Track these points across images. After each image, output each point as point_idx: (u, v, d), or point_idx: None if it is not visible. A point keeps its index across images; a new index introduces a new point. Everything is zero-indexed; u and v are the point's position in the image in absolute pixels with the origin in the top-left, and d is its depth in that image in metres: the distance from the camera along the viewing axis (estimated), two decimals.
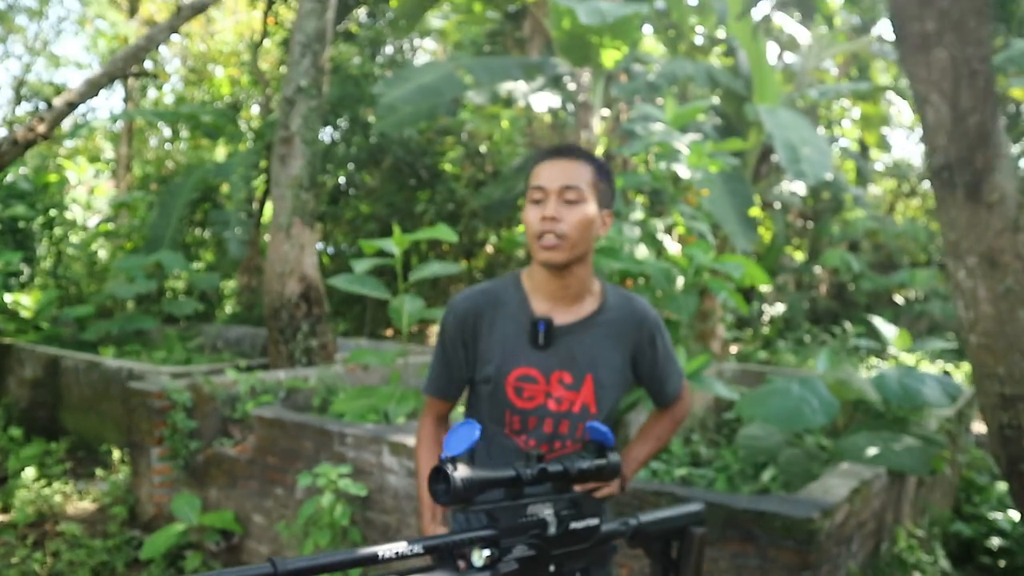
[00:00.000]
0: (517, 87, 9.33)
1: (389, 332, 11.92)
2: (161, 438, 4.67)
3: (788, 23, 11.04)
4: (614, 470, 1.53)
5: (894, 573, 3.41)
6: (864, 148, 15.24)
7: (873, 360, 8.11)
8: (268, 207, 11.43)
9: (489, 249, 12.78)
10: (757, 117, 8.86)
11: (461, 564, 1.30)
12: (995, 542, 4.52)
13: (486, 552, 1.31)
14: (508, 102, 9.31)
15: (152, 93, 17.72)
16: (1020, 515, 3.98)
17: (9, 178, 9.66)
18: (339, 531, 3.66)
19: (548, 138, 11.74)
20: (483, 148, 12.32)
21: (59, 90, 14.95)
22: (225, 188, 11.64)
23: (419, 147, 11.93)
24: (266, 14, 12.77)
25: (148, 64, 15.77)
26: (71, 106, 7.31)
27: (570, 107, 9.76)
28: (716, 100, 10.67)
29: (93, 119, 13.09)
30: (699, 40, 11.65)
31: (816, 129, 10.89)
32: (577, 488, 1.83)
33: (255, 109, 14.55)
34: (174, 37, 15.40)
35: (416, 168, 11.98)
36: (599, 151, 9.63)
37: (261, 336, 8.78)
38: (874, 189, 16.96)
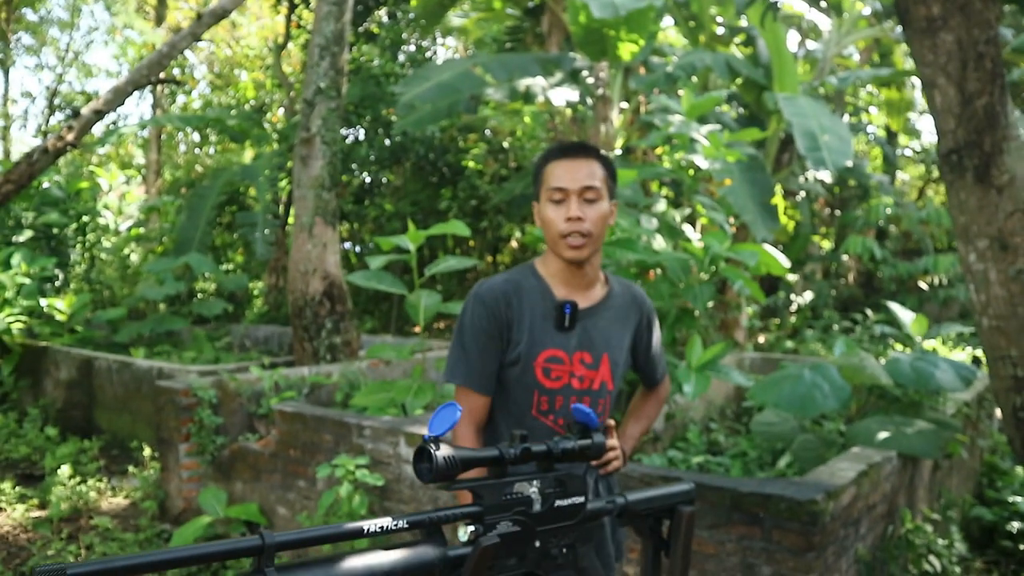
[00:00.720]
0: (536, 83, 9.36)
1: (417, 329, 12.04)
2: (188, 434, 4.80)
3: (809, 11, 10.96)
4: (598, 450, 1.57)
5: (903, 555, 3.42)
6: (891, 134, 15.06)
7: (898, 347, 8.04)
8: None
9: (514, 244, 12.84)
10: (776, 106, 8.82)
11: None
12: (1015, 526, 4.49)
13: (471, 528, 1.36)
14: (527, 98, 9.33)
15: (180, 99, 18.00)
16: None
17: (44, 186, 9.90)
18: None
19: (570, 133, 11.76)
20: (506, 144, 12.38)
21: (90, 99, 15.23)
22: (252, 190, 11.82)
23: (441, 145, 12.02)
24: (289, 18, 12.94)
25: (176, 71, 16.06)
26: (99, 114, 7.49)
27: (589, 101, 9.77)
28: (736, 90, 10.63)
29: (123, 126, 13.33)
30: (720, 31, 11.60)
31: (838, 116, 10.81)
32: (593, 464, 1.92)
33: (280, 112, 14.73)
34: (199, 43, 15.65)
35: (439, 166, 12.07)
36: (618, 144, 9.64)
37: (288, 335, 8.92)
38: (903, 176, 16.76)
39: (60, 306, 8.30)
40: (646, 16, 8.01)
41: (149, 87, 11.10)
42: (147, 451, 5.72)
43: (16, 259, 8.13)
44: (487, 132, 12.60)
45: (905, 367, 3.99)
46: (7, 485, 5.37)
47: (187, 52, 16.44)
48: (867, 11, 11.83)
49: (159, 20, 17.02)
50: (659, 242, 5.43)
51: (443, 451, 1.33)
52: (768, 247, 5.44)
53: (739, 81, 10.24)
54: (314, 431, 4.20)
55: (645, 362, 2.13)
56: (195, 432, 4.81)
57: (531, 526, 1.45)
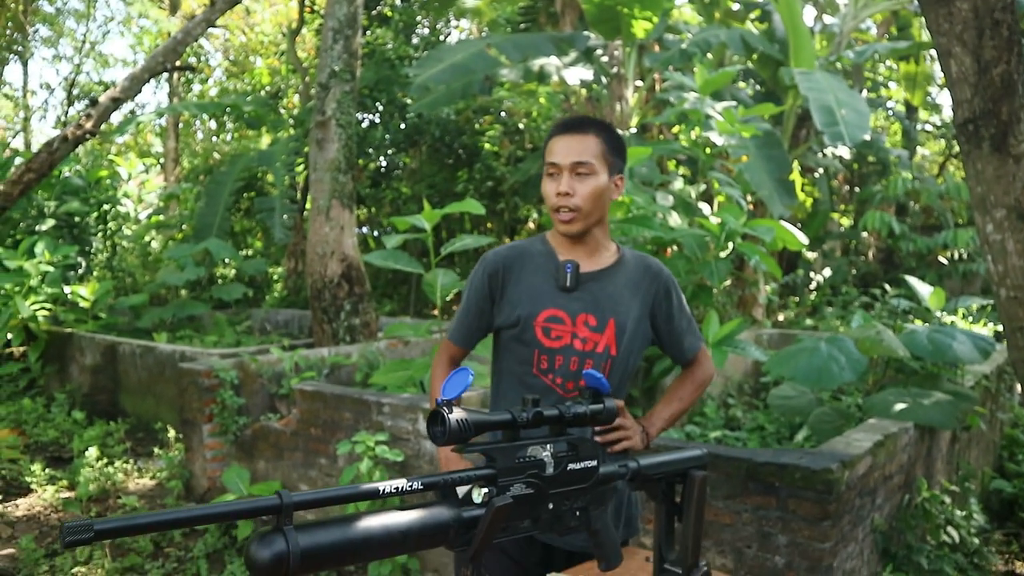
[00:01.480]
0: (550, 62, 9.33)
1: (435, 312, 12.08)
2: (211, 415, 4.88)
3: None
4: (610, 415, 1.59)
5: (920, 524, 3.43)
6: (910, 109, 14.88)
7: (917, 322, 8.00)
8: None
9: (531, 225, 12.85)
10: (793, 81, 8.75)
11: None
12: None
13: (484, 490, 1.38)
14: (541, 78, 9.31)
15: (196, 87, 18.08)
16: None
17: (65, 175, 10.00)
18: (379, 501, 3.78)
19: (585, 112, 11.72)
20: (521, 125, 12.36)
21: (107, 88, 15.35)
22: (269, 176, 11.89)
23: (456, 127, 12.02)
24: (302, 2, 12.94)
25: (191, 59, 16.13)
26: (116, 102, 7.56)
27: (604, 80, 9.73)
28: (752, 66, 10.54)
29: (141, 115, 13.44)
30: (735, 6, 11.50)
31: (856, 91, 10.70)
32: (599, 438, 1.95)
33: (295, 97, 14.78)
34: (213, 30, 15.70)
35: (454, 148, 12.08)
36: (634, 122, 9.61)
37: (308, 318, 8.99)
38: (923, 151, 16.56)
39: (83, 293, 8.41)
40: None
41: (165, 74, 11.18)
42: (171, 432, 5.81)
43: (39, 247, 8.24)
44: (502, 113, 12.58)
45: (922, 339, 3.98)
46: (37, 467, 5.48)
47: (202, 39, 16.52)
48: None
49: (173, 9, 17.08)
50: (675, 219, 5.43)
51: (456, 414, 1.35)
52: (785, 223, 5.43)
53: (755, 57, 10.16)
54: (334, 409, 4.26)
55: (668, 335, 2.10)
56: (218, 413, 4.88)
57: (544, 489, 1.47)
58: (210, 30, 15.44)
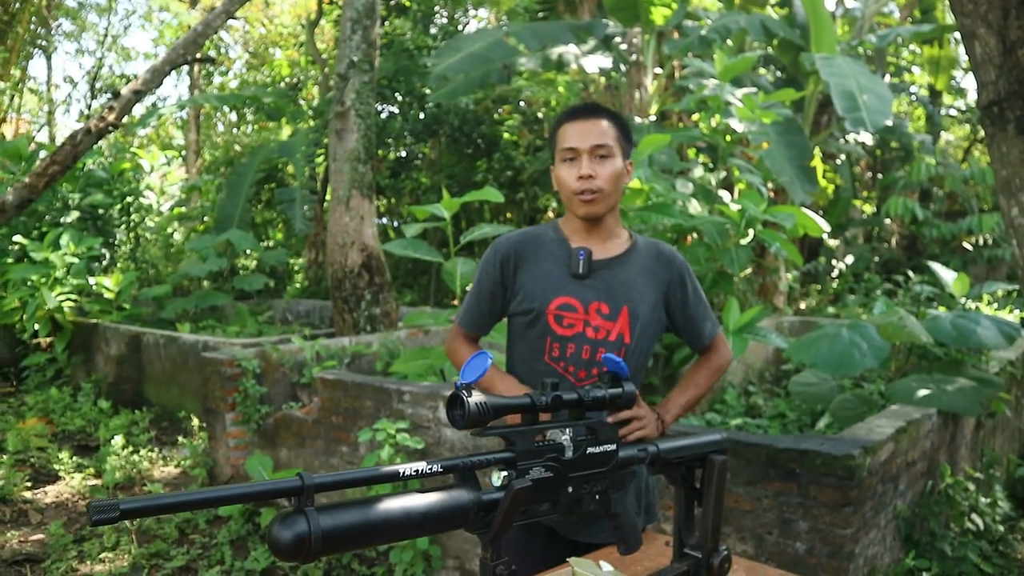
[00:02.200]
0: (568, 50, 9.29)
1: (456, 302, 12.10)
2: (234, 404, 4.92)
3: None
4: (628, 399, 1.59)
5: (943, 511, 3.40)
6: (934, 94, 14.69)
7: (941, 309, 7.92)
8: None
9: (550, 215, 12.83)
10: (814, 67, 8.66)
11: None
12: None
13: (503, 473, 1.38)
14: (560, 66, 9.27)
15: (217, 79, 18.18)
16: None
17: (89, 168, 10.10)
18: (399, 484, 3.81)
19: (604, 100, 11.67)
20: (540, 114, 12.33)
21: (129, 81, 15.48)
22: (289, 167, 11.94)
23: (475, 116, 12.01)
24: None
25: (211, 52, 16.20)
26: (138, 94, 7.62)
27: (623, 68, 9.67)
28: (772, 52, 10.44)
29: (163, 108, 13.53)
30: None
31: (878, 76, 10.58)
32: (611, 419, 1.94)
33: (315, 88, 14.82)
34: (233, 22, 15.76)
35: (473, 137, 12.07)
36: (653, 110, 9.55)
37: (328, 309, 9.05)
38: (947, 136, 16.35)
39: (108, 284, 8.51)
40: None
41: (186, 67, 11.23)
42: (195, 421, 5.88)
43: (64, 239, 8.33)
44: (521, 102, 12.55)
45: (946, 325, 3.94)
46: (65, 455, 5.57)
47: (222, 32, 16.59)
48: None
49: (193, 1, 17.17)
50: (695, 206, 5.40)
51: (475, 398, 1.36)
52: (806, 210, 5.39)
53: (775, 43, 10.06)
54: (355, 398, 4.28)
55: (684, 322, 2.09)
56: (240, 401, 4.93)
57: (563, 472, 1.47)
58: (230, 22, 15.52)
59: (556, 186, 2.03)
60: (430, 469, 1.29)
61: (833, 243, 12.26)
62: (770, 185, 7.78)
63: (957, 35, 12.09)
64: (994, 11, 3.56)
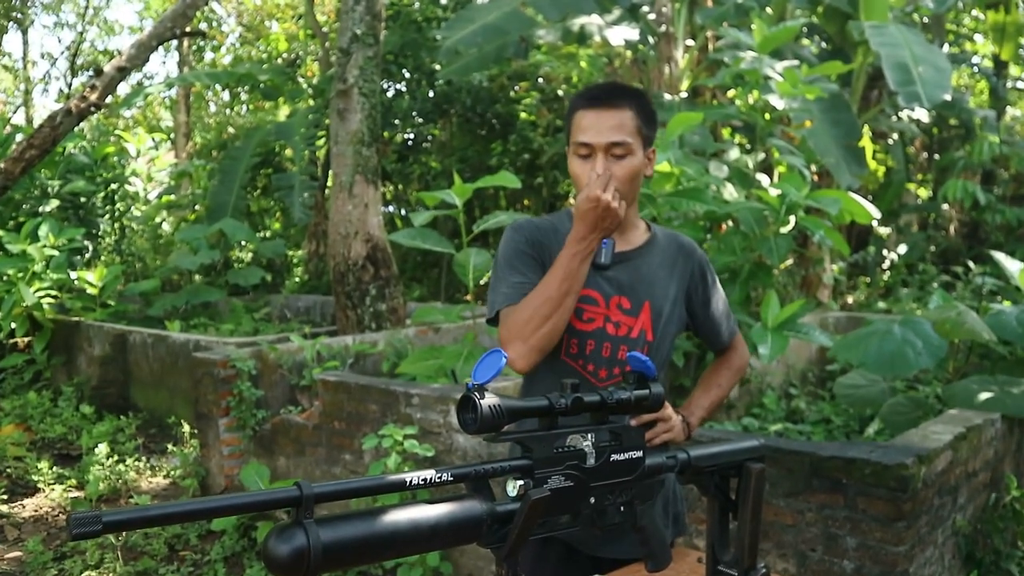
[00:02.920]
0: (591, 21, 9.26)
1: (469, 298, 12.11)
2: (228, 408, 4.96)
3: None
4: (656, 401, 1.58)
5: (1009, 527, 3.38)
6: (999, 64, 14.52)
7: (1006, 304, 7.85)
8: None
9: (571, 201, 12.83)
10: (863, 36, 8.59)
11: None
12: None
13: (519, 482, 1.38)
14: (582, 38, 9.25)
15: (208, 56, 18.27)
16: None
17: (69, 152, 10.18)
18: (407, 495, 3.83)
19: (630, 76, 11.65)
20: (560, 92, 12.32)
21: (113, 57, 15.59)
22: (288, 151, 11.99)
23: (489, 94, 12.01)
24: None
25: (202, 25, 16.29)
26: (122, 71, 7.67)
27: (651, 40, 9.64)
28: (817, 21, 10.37)
29: (150, 87, 13.64)
30: None
31: (936, 46, 10.48)
32: (634, 422, 1.93)
33: (315, 65, 14.87)
34: None
35: (487, 117, 12.07)
36: (684, 86, 9.52)
37: (330, 304, 9.08)
38: (1013, 111, 16.18)
39: (91, 279, 8.57)
40: None
41: (174, 42, 11.29)
42: (186, 428, 5.92)
43: (43, 230, 8.40)
44: (539, 79, 12.54)
45: (1011, 321, 3.92)
46: (44, 465, 5.62)
47: (214, 3, 16.67)
48: None
49: None
50: (730, 191, 5.39)
51: (488, 400, 1.35)
52: (854, 195, 5.36)
53: (820, 10, 9.99)
54: (359, 401, 4.31)
55: (705, 319, 2.11)
56: (235, 406, 4.97)
57: (585, 481, 1.47)
58: None
59: (570, 173, 2.02)
60: (439, 478, 1.28)
61: (884, 231, 12.19)
62: (813, 168, 7.73)
63: None
64: None
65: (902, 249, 11.89)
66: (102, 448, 5.75)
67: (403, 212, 13.49)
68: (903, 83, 7.58)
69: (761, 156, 6.34)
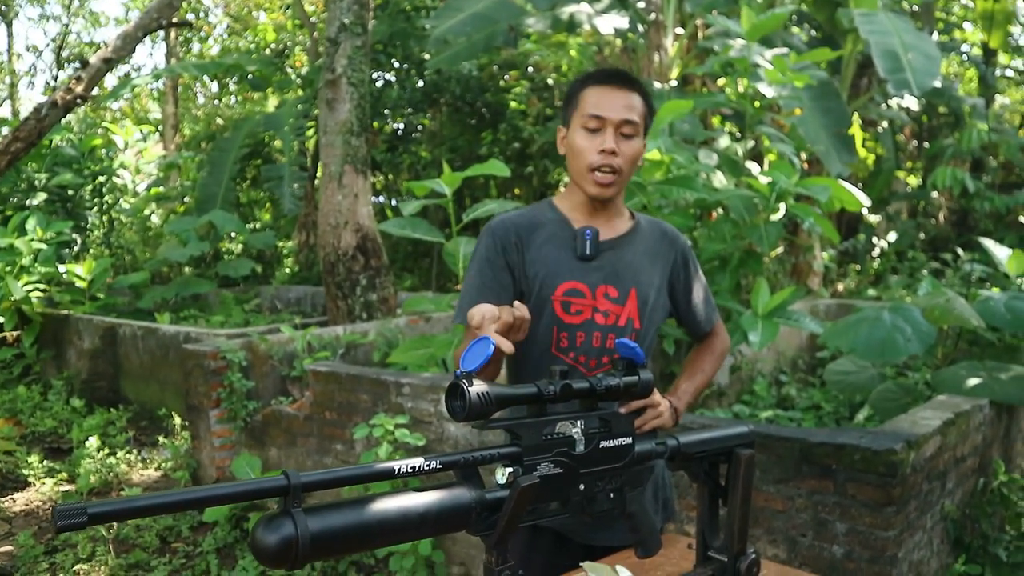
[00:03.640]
0: (580, 9, 9.23)
1: (459, 287, 12.05)
2: (218, 400, 4.95)
3: None
4: (645, 387, 1.58)
5: (997, 511, 3.40)
6: (988, 53, 14.55)
7: (995, 289, 7.88)
8: None
9: (562, 190, 12.81)
10: (852, 23, 8.59)
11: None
12: None
13: (508, 470, 1.38)
14: (571, 27, 9.22)
15: (196, 47, 18.17)
16: None
17: (56, 144, 10.13)
18: (398, 483, 3.83)
19: (620, 65, 11.63)
20: (550, 81, 12.30)
21: (99, 49, 15.50)
22: (277, 142, 11.95)
23: (479, 83, 11.98)
24: None
25: (189, 16, 16.20)
26: (108, 63, 7.63)
27: (640, 28, 9.61)
28: (806, 8, 10.37)
29: (137, 78, 13.56)
30: None
31: (925, 33, 10.49)
32: (623, 409, 1.93)
33: (303, 55, 14.81)
34: None
35: (477, 107, 12.05)
36: (674, 74, 9.51)
37: (321, 295, 9.07)
38: (1002, 100, 16.22)
39: (79, 272, 8.54)
40: None
41: (161, 32, 11.22)
42: (176, 420, 5.91)
43: (31, 223, 8.36)
44: (529, 68, 12.52)
45: (999, 307, 3.93)
46: (35, 459, 5.61)
47: None
48: None
49: None
50: (720, 179, 5.38)
51: (476, 387, 1.34)
52: (844, 182, 5.36)
53: None
54: (350, 391, 4.30)
55: (687, 306, 2.12)
56: (225, 397, 4.96)
57: (574, 468, 1.47)
58: None
59: (565, 153, 1.99)
60: (428, 465, 1.28)
61: (874, 219, 12.21)
62: (803, 155, 7.74)
63: None
64: None
65: (892, 236, 11.92)
66: (93, 441, 5.73)
67: (393, 202, 13.45)
68: (892, 71, 7.59)
69: (751, 144, 6.34)
